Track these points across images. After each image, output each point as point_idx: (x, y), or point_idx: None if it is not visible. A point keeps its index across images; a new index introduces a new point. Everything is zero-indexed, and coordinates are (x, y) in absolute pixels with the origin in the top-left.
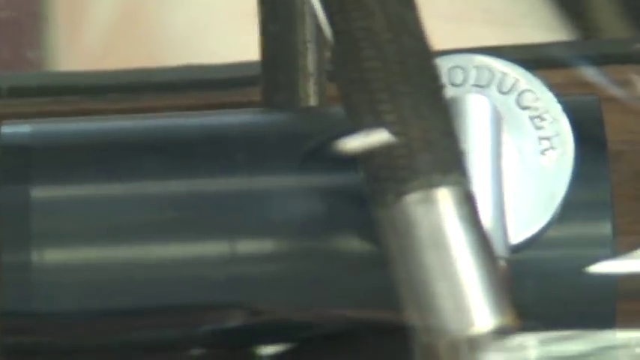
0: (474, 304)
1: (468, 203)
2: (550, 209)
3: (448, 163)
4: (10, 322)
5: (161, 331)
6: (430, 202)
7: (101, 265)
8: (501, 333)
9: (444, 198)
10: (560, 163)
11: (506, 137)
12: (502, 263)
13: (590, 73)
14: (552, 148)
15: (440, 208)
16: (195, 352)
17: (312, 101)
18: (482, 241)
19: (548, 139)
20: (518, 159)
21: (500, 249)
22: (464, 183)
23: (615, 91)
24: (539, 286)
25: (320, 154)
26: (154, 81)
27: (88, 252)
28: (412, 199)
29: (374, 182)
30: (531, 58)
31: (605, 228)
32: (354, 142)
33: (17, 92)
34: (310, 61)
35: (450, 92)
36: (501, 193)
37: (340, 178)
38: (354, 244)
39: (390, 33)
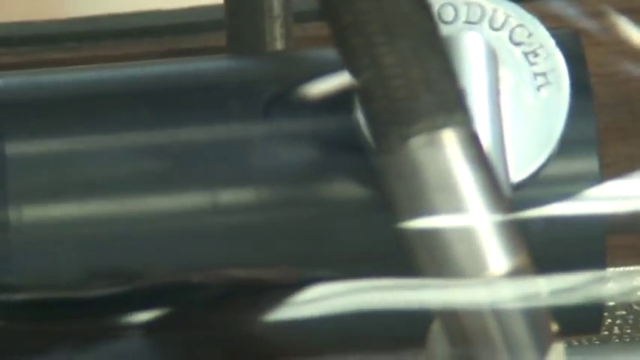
0: (487, 247)
1: (473, 144)
2: (549, 146)
3: (450, 103)
4: None
5: (146, 286)
6: (436, 144)
7: (81, 221)
8: (515, 274)
9: (450, 139)
10: (557, 98)
11: (502, 73)
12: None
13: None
14: (548, 83)
15: (446, 150)
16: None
17: (279, 45)
18: (491, 181)
19: (543, 74)
20: (515, 96)
21: (503, 188)
22: (467, 123)
23: (585, 24)
24: (535, 224)
25: (286, 100)
26: (109, 28)
27: (67, 208)
28: (417, 142)
29: (375, 127)
30: None
31: (593, 164)
32: (320, 87)
33: None
34: (276, 2)
35: (442, 30)
36: (501, 131)
37: (311, 123)
38: (338, 189)
39: None
